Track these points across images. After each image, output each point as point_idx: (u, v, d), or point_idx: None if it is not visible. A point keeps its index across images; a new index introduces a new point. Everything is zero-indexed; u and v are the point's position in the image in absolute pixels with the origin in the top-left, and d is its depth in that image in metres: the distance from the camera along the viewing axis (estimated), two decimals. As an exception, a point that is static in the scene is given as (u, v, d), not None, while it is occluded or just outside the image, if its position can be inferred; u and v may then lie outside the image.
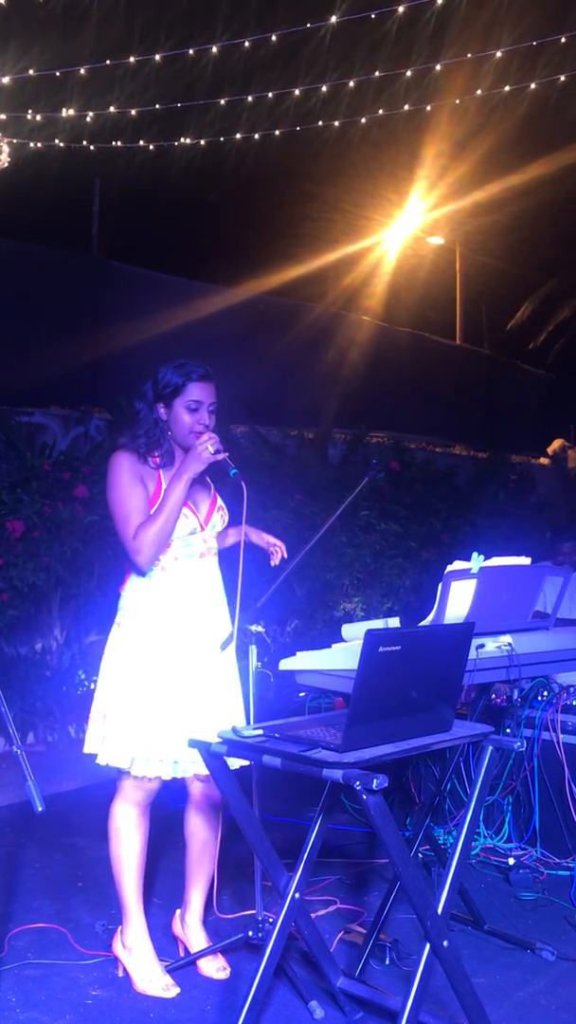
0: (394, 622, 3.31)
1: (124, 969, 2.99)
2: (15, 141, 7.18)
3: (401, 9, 5.81)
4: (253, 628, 2.95)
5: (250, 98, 6.77)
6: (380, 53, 6.31)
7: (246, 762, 2.80)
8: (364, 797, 2.26)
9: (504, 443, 11.54)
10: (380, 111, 6.95)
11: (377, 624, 3.29)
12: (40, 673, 5.70)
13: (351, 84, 6.60)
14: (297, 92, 6.67)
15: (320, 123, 7.11)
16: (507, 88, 6.52)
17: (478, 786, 2.67)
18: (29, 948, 3.18)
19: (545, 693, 4.05)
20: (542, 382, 14.72)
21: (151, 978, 2.93)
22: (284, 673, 3.08)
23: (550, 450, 11.96)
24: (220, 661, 3.01)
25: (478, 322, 14.44)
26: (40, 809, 2.08)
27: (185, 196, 10.52)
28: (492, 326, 14.49)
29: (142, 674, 2.91)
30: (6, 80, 6.43)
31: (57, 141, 7.24)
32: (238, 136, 7.26)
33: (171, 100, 6.84)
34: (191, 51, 6.20)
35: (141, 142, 7.43)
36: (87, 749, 2.99)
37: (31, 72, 6.40)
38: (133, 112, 6.91)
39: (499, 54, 6.17)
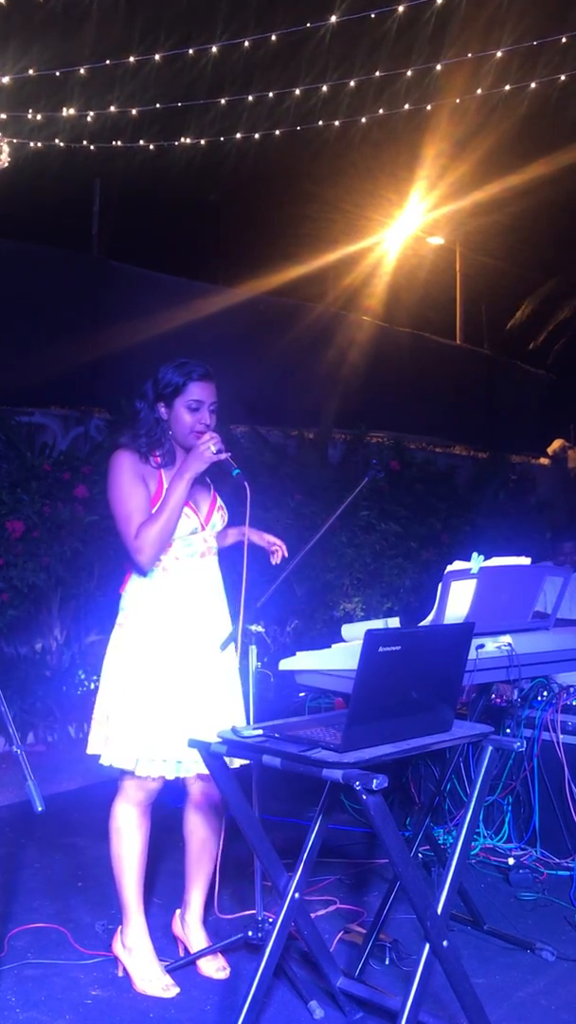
0: (394, 622, 3.30)
1: (124, 969, 2.99)
2: (15, 141, 7.17)
3: (401, 9, 5.80)
4: (253, 628, 2.95)
5: (250, 98, 6.77)
6: (380, 53, 6.31)
7: (246, 761, 2.80)
8: (364, 797, 2.26)
9: (504, 443, 11.55)
10: (380, 111, 6.94)
11: (377, 624, 3.29)
12: (40, 673, 5.71)
13: (351, 84, 6.59)
14: (297, 92, 6.67)
15: (320, 123, 7.10)
16: (507, 88, 6.52)
17: (478, 786, 2.67)
18: (29, 948, 3.18)
19: (545, 693, 4.06)
20: (542, 382, 14.71)
21: (151, 978, 2.93)
22: (284, 673, 3.08)
23: (550, 450, 11.97)
24: (221, 661, 3.01)
25: (478, 322, 14.43)
26: (40, 809, 2.08)
27: (185, 196, 10.51)
28: (492, 326, 14.47)
29: (145, 674, 2.91)
30: (6, 80, 6.43)
31: (57, 141, 7.23)
32: (238, 136, 7.25)
33: (171, 100, 6.83)
34: (191, 51, 6.20)
35: (141, 142, 7.42)
36: (91, 750, 2.99)
37: (31, 72, 6.40)
38: (133, 112, 6.91)
39: (499, 54, 6.16)
